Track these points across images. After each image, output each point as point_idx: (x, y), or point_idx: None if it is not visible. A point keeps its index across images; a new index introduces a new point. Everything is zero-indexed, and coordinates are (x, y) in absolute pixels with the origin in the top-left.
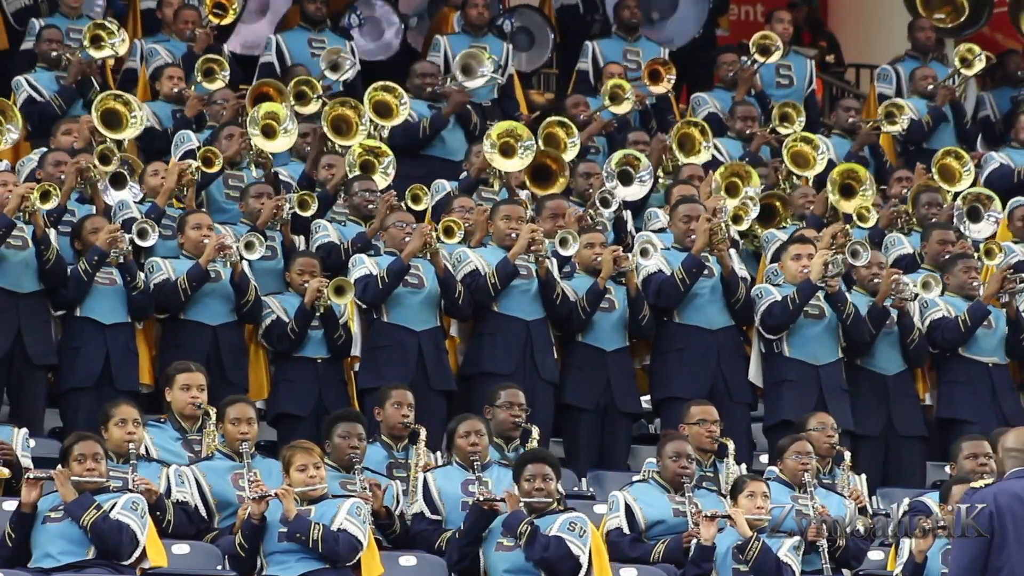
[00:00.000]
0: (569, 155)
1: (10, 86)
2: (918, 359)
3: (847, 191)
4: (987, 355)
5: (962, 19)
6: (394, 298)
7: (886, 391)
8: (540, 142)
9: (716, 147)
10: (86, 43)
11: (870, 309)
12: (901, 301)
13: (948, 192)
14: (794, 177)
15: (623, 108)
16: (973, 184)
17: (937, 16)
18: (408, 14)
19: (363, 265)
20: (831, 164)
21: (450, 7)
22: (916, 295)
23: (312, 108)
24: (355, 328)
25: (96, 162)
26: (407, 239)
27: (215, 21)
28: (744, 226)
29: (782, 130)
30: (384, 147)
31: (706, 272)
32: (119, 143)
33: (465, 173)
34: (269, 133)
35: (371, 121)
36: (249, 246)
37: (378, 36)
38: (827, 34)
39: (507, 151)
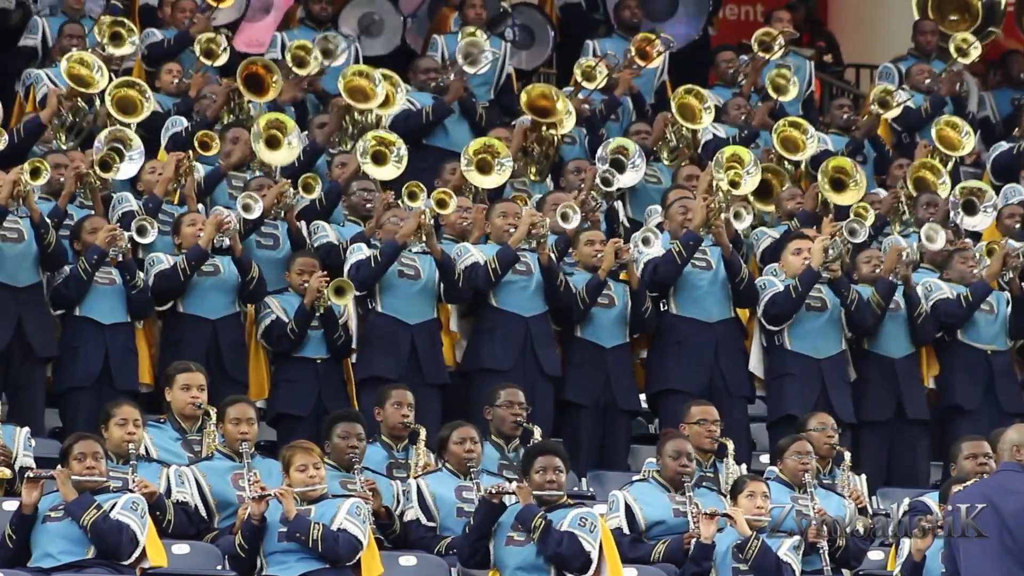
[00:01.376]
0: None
1: (9, 82)
2: (926, 335)
3: (838, 184)
4: (986, 342)
5: (974, 26)
6: (389, 287)
7: (895, 374)
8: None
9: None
10: (105, 40)
11: (878, 284)
12: (905, 268)
13: (948, 168)
14: (785, 162)
15: (595, 83)
16: (976, 163)
17: (951, 18)
18: (407, 15)
19: (360, 251)
20: (827, 154)
21: (450, 7)
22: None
23: (312, 68)
24: (352, 325)
25: (97, 169)
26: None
27: (214, 4)
28: (743, 190)
29: (775, 95)
30: (394, 137)
31: (704, 264)
32: (90, 99)
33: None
34: (273, 143)
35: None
36: (247, 208)
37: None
38: (826, 34)
39: (484, 167)
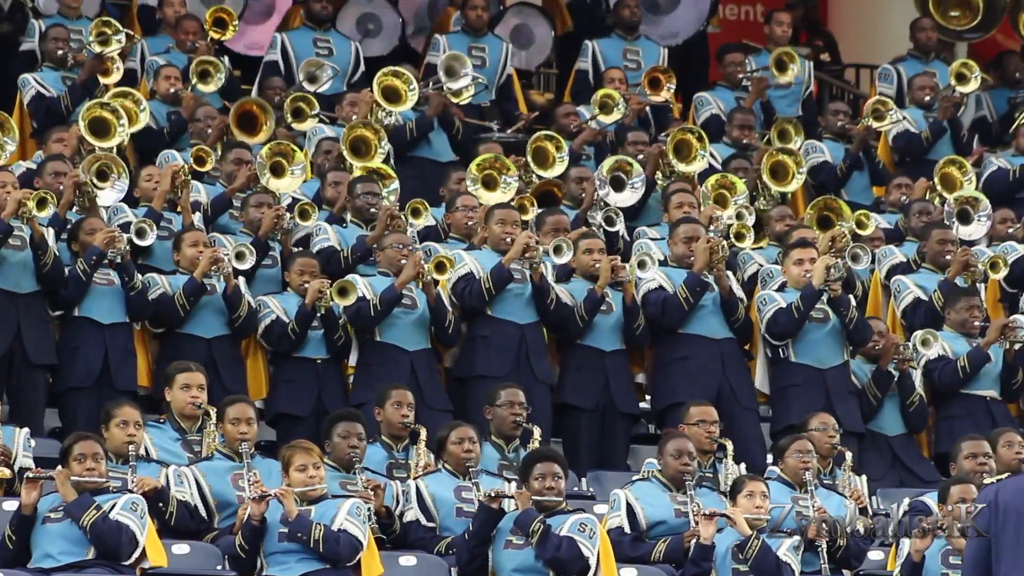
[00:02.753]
0: (557, 170)
1: (10, 86)
2: (919, 423)
3: (824, 223)
4: (985, 389)
5: (975, 22)
6: (387, 317)
7: (891, 450)
8: (529, 158)
9: (711, 153)
10: (91, 39)
11: (873, 374)
12: (903, 363)
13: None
14: (772, 188)
15: (612, 117)
16: (975, 163)
17: (952, 14)
18: (407, 16)
19: (356, 285)
20: (829, 166)
21: (452, 7)
22: (917, 353)
23: (308, 124)
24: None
25: (94, 179)
26: (403, 261)
27: (216, 36)
28: (746, 244)
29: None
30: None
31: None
32: (108, 151)
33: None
34: (278, 170)
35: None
36: (240, 256)
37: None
38: (825, 33)
39: (489, 183)
